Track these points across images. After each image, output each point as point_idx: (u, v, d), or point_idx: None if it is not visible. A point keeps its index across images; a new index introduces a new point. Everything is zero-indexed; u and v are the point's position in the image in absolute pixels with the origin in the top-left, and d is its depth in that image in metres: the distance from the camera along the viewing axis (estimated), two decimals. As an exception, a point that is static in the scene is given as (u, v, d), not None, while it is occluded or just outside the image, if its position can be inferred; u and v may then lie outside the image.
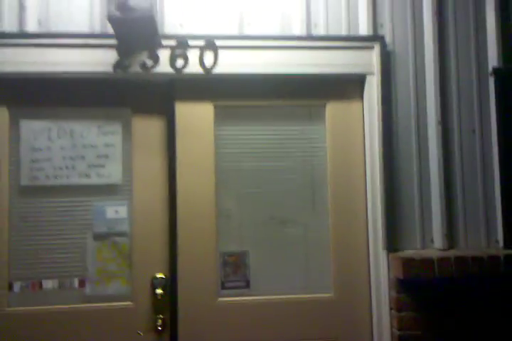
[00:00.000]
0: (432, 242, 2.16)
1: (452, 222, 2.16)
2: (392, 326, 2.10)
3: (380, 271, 2.15)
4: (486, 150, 2.21)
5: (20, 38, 2.02)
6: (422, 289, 2.06)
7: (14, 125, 2.12)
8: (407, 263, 2.01)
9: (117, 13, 1.88)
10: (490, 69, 2.23)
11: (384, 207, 2.14)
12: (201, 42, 2.09)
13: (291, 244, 2.21)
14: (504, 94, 2.20)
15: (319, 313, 2.19)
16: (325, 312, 2.19)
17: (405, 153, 2.18)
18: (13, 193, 2.10)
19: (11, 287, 2.07)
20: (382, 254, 2.14)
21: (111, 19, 1.90)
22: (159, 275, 2.14)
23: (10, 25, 2.03)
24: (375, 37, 2.18)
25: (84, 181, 2.14)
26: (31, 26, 2.04)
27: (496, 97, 2.20)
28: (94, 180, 2.14)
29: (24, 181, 2.11)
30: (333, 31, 2.18)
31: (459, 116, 2.22)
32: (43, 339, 2.06)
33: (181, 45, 2.08)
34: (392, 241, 2.13)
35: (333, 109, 2.24)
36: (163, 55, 2.08)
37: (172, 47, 2.08)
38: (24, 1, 2.04)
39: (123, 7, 1.87)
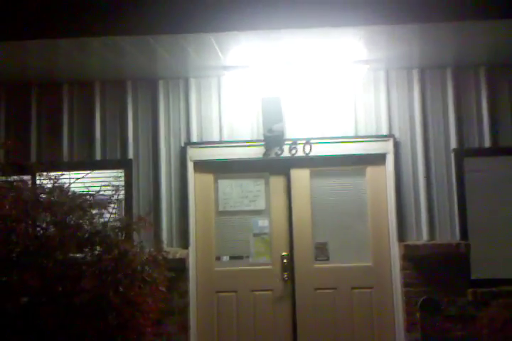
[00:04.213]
0: (422, 237, 4.24)
1: (433, 227, 4.25)
2: (401, 278, 4.22)
3: (395, 251, 4.28)
4: (450, 186, 4.25)
5: (219, 143, 4.36)
6: (415, 260, 4.16)
7: (216, 182, 4.48)
8: (407, 247, 4.14)
9: (267, 133, 4.11)
10: (451, 149, 4.28)
11: (396, 219, 4.29)
12: (303, 141, 4.32)
13: (350, 238, 4.41)
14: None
15: (364, 273, 4.38)
16: (367, 272, 4.38)
17: (407, 191, 4.29)
18: (215, 214, 4.45)
19: (217, 258, 4.41)
20: (396, 243, 4.27)
21: (265, 136, 4.18)
22: (284, 253, 4.40)
23: (235, 138, 4.36)
24: (390, 135, 4.34)
25: (248, 208, 4.45)
26: (225, 136, 4.36)
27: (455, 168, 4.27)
28: (252, 207, 4.44)
29: (220, 208, 4.45)
30: (369, 132, 4.34)
31: (436, 171, 4.28)
32: (228, 282, 4.37)
33: (294, 143, 4.32)
34: (401, 236, 4.25)
35: (370, 170, 4.43)
36: (286, 148, 4.33)
37: (289, 144, 4.32)
38: (222, 124, 4.36)
39: (270, 131, 4.10)
